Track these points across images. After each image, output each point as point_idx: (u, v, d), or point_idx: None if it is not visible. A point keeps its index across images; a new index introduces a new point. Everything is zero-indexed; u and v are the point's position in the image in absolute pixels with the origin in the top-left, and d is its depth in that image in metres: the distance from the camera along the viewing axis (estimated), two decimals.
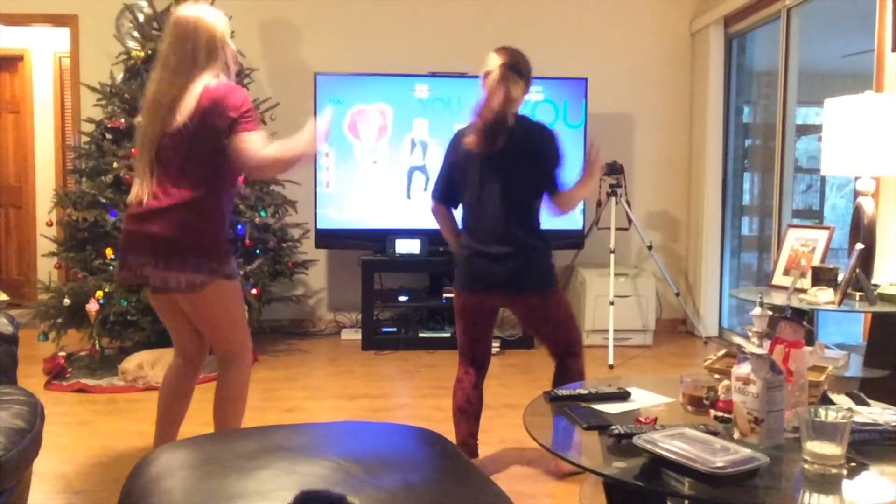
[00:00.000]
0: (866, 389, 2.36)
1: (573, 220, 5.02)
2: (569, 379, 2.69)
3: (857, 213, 3.09)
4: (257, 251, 4.56)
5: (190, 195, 2.33)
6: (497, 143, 2.59)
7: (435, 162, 4.96)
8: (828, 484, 1.50)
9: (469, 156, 2.65)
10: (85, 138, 4.64)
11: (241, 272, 4.22)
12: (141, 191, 2.39)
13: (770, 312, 1.87)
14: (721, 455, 1.49)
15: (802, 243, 3.25)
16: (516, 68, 2.63)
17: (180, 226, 2.34)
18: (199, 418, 3.51)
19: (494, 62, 2.65)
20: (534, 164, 2.63)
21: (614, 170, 4.89)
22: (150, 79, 2.47)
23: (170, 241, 2.33)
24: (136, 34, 4.63)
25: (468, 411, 2.77)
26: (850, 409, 1.67)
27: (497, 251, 2.62)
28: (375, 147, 4.98)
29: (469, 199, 2.70)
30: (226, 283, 2.43)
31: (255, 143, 2.30)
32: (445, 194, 2.79)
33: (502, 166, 2.62)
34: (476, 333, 2.80)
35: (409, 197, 5.01)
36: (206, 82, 2.34)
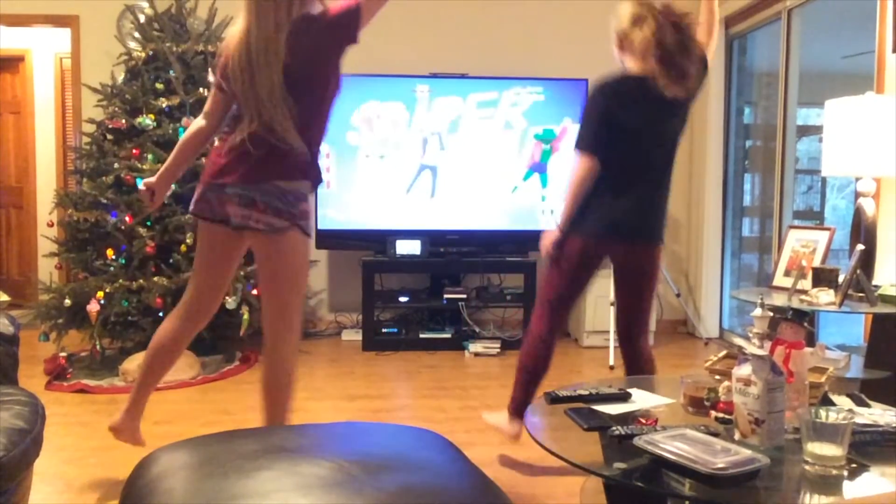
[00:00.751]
0: (867, 390, 2.36)
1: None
2: (645, 362, 2.88)
3: (858, 214, 3.09)
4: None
5: None
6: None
7: (440, 161, 4.97)
8: (828, 485, 1.50)
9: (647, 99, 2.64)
10: (86, 139, 4.65)
11: (242, 273, 4.22)
12: None
13: (771, 313, 1.87)
14: (722, 456, 1.49)
15: (803, 244, 3.25)
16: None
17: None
18: (199, 419, 3.52)
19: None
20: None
21: None
22: None
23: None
24: (137, 35, 4.63)
25: (542, 374, 2.86)
26: (850, 411, 1.67)
27: (653, 198, 2.72)
28: (384, 143, 4.98)
29: (631, 149, 2.68)
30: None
31: None
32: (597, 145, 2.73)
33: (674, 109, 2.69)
34: (586, 283, 2.85)
35: (407, 191, 5.00)
36: None
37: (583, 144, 2.69)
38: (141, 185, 2.66)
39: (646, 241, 2.77)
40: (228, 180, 2.40)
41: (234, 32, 2.42)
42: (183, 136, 2.63)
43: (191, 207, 2.52)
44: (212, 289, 2.62)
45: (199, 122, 2.59)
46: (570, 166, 2.75)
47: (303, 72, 2.36)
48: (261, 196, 2.38)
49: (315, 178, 2.49)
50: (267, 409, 2.53)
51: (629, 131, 2.65)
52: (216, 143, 2.53)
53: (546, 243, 2.79)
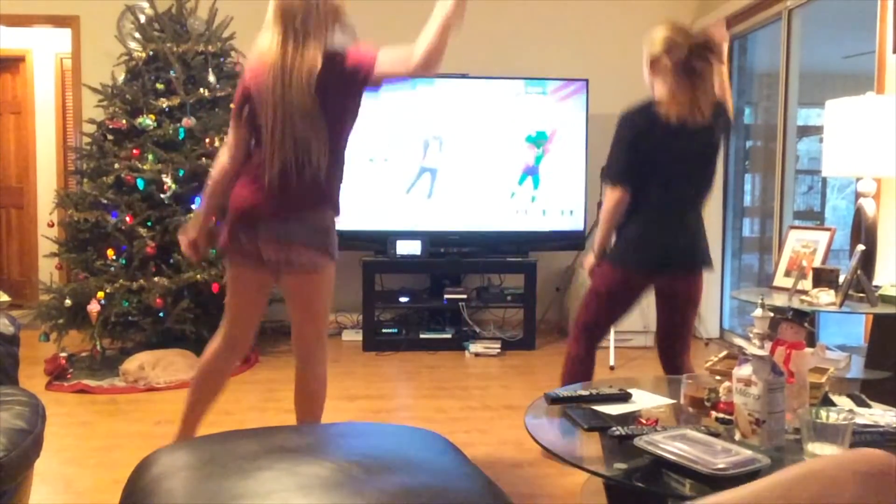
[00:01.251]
0: (867, 391, 2.36)
1: (575, 221, 5.02)
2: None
3: (858, 214, 3.09)
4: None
5: None
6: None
7: (441, 161, 4.97)
8: None
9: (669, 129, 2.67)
10: (86, 139, 4.65)
11: None
12: None
13: (771, 314, 1.87)
14: (722, 456, 1.49)
15: (804, 245, 3.25)
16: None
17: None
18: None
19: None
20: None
21: None
22: None
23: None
24: (137, 35, 4.63)
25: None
26: (851, 411, 1.67)
27: (686, 225, 2.77)
28: (384, 144, 4.97)
29: (661, 178, 2.73)
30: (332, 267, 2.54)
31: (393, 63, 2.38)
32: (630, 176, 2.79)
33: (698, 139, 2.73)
34: (625, 312, 2.92)
35: (407, 192, 5.00)
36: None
37: (611, 175, 2.78)
38: (182, 240, 2.62)
39: (689, 269, 2.82)
40: (261, 215, 2.37)
41: (259, 61, 2.37)
42: (210, 179, 2.55)
43: (221, 243, 2.46)
44: (245, 323, 2.62)
45: (222, 160, 2.52)
46: (604, 196, 2.86)
47: (329, 105, 2.35)
48: (298, 232, 2.38)
49: (338, 208, 2.51)
50: (303, 419, 2.68)
51: (655, 160, 2.70)
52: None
53: (588, 269, 2.92)
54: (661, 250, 2.76)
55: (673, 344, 2.95)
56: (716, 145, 2.80)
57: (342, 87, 2.35)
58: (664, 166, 2.71)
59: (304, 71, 2.30)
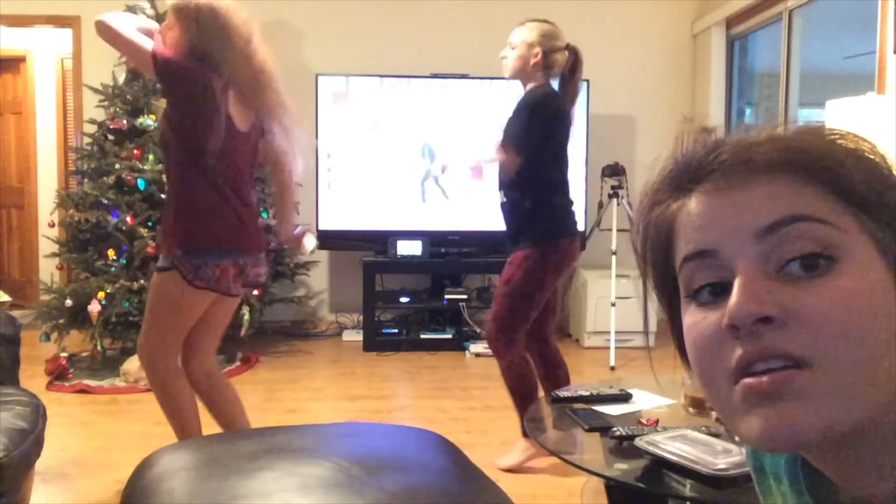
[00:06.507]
0: None
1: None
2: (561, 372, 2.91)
3: None
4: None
5: None
6: None
7: (441, 162, 4.97)
8: None
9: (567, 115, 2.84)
10: (87, 139, 4.65)
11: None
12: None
13: None
14: (723, 457, 1.49)
15: None
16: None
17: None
18: (200, 419, 3.51)
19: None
20: None
21: (616, 171, 4.89)
22: None
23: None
24: None
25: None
26: None
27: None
28: (384, 144, 4.98)
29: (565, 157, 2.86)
30: None
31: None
32: None
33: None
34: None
35: (423, 200, 5.02)
36: None
37: (520, 151, 2.89)
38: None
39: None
40: (240, 248, 2.44)
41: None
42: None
43: (193, 279, 2.35)
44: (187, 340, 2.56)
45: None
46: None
47: None
48: (252, 264, 2.49)
49: None
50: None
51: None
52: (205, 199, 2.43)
53: None
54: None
55: (545, 326, 2.94)
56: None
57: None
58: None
59: None
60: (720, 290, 0.54)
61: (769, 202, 0.53)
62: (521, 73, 2.85)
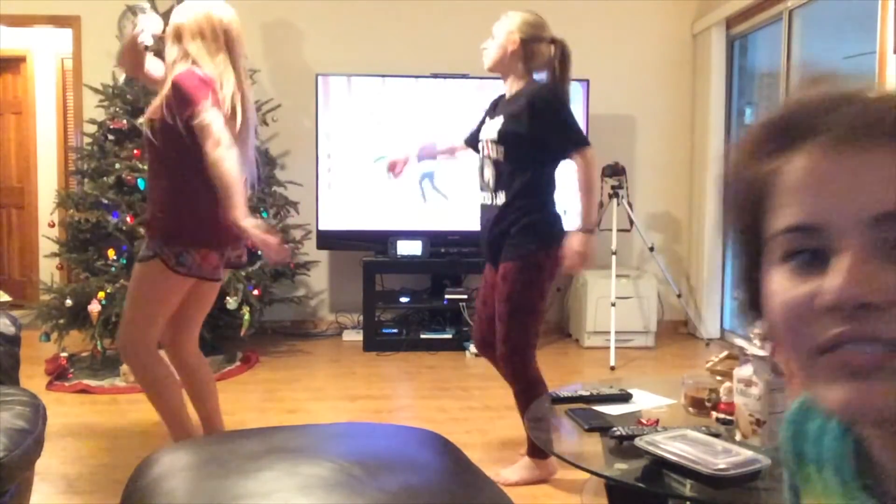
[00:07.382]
0: None
1: (575, 220, 5.01)
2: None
3: None
4: (259, 252, 4.56)
5: None
6: None
7: (441, 165, 4.96)
8: None
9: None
10: (87, 139, 4.65)
11: (244, 272, 4.22)
12: None
13: None
14: (723, 457, 1.49)
15: None
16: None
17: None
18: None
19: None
20: None
21: (616, 171, 4.89)
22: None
23: None
24: None
25: None
26: None
27: None
28: (384, 144, 4.97)
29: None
30: None
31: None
32: None
33: None
34: None
35: (424, 200, 5.02)
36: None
37: (583, 137, 2.74)
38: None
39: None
40: (225, 241, 2.56)
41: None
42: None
43: (175, 265, 2.45)
44: (172, 327, 2.66)
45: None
46: (581, 165, 2.69)
47: None
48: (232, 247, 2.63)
49: None
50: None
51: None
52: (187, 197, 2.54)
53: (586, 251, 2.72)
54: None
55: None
56: None
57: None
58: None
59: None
60: (815, 258, 0.50)
61: (892, 182, 0.48)
62: (500, 65, 2.68)
